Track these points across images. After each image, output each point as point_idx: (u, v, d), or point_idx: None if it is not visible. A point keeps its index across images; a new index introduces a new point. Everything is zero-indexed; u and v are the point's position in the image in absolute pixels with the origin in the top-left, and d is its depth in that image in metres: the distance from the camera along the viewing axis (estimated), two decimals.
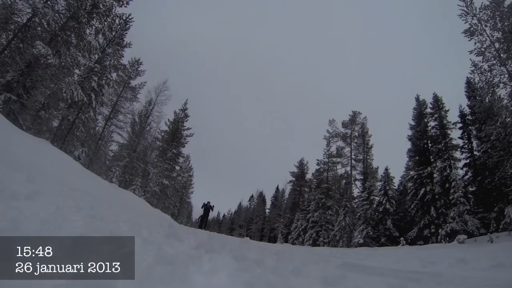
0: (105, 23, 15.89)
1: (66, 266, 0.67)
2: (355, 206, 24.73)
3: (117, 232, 1.11)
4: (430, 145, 19.92)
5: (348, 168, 28.58)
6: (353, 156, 28.67)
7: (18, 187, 2.26)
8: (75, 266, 0.66)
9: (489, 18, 13.85)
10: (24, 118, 12.84)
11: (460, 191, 16.06)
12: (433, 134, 19.91)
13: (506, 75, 13.04)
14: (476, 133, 17.78)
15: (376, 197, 23.05)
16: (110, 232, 1.09)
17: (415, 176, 19.42)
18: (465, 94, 18.64)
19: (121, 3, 15.04)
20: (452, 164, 18.23)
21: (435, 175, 18.60)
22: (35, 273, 0.57)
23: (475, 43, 14.17)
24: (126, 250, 0.97)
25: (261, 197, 47.78)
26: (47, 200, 2.18)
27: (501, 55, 13.21)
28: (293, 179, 37.09)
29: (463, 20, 14.54)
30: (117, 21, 17.47)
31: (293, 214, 32.97)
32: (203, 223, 15.08)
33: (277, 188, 44.56)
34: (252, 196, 49.86)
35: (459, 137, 18.82)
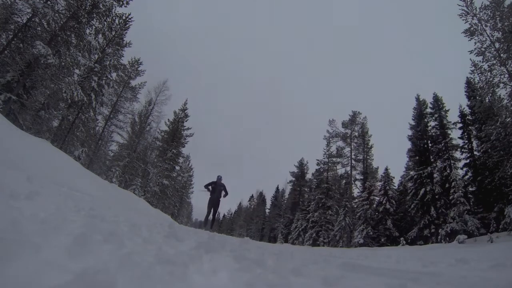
0: (105, 23, 15.91)
1: (66, 266, 0.67)
2: (355, 206, 24.74)
3: (117, 232, 1.11)
4: (430, 145, 19.93)
5: (348, 168, 28.60)
6: (353, 156, 28.67)
7: (18, 187, 2.26)
8: (75, 266, 0.66)
9: (489, 18, 13.84)
10: (24, 118, 12.83)
11: (460, 191, 16.07)
12: (433, 134, 19.92)
13: (506, 75, 13.04)
14: (476, 133, 17.77)
15: (376, 197, 23.06)
16: (110, 232, 1.08)
17: (415, 176, 19.43)
18: (465, 94, 18.65)
19: (121, 3, 15.05)
20: (452, 164, 18.23)
21: (435, 175, 18.61)
22: (35, 274, 0.57)
23: (475, 43, 14.17)
24: (126, 250, 0.97)
25: (261, 197, 47.82)
26: (47, 200, 2.18)
27: (501, 55, 13.20)
28: (293, 179, 37.11)
29: (463, 20, 14.54)
30: (117, 21, 17.51)
31: (293, 214, 32.98)
32: (210, 218, 8.43)
33: (277, 188, 44.61)
34: (252, 196, 49.93)
35: (459, 137, 18.85)
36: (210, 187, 8.72)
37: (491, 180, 15.52)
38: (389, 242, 19.86)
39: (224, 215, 61.85)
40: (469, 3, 14.41)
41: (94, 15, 14.25)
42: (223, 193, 8.71)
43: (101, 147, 21.74)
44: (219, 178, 8.83)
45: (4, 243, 0.57)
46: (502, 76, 13.20)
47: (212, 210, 8.58)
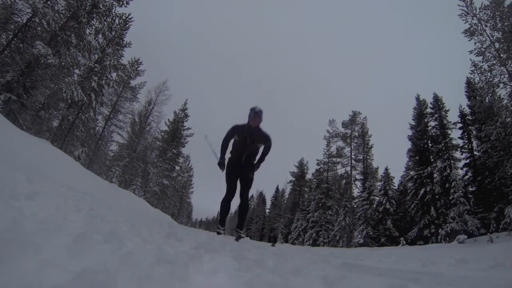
0: (105, 23, 15.92)
1: (66, 266, 0.67)
2: (355, 206, 24.74)
3: (117, 232, 1.11)
4: (430, 145, 19.93)
5: (348, 168, 28.61)
6: (353, 156, 28.68)
7: (18, 187, 2.26)
8: (75, 266, 0.66)
9: (489, 18, 13.85)
10: (24, 118, 12.84)
11: (460, 191, 16.07)
12: (433, 134, 19.91)
13: (506, 75, 13.04)
14: (476, 133, 17.77)
15: (376, 197, 23.06)
16: (110, 232, 1.08)
17: (415, 176, 19.42)
18: (465, 94, 18.64)
19: (121, 3, 15.06)
20: (452, 164, 18.23)
21: (435, 175, 18.61)
22: (35, 274, 0.57)
23: (475, 43, 14.18)
24: (126, 250, 0.97)
25: (261, 197, 47.86)
26: (47, 200, 2.18)
27: (501, 55, 13.20)
28: (293, 179, 37.10)
29: (463, 20, 14.54)
30: (117, 21, 17.52)
31: (293, 214, 32.98)
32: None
33: (277, 188, 44.63)
34: (252, 196, 49.94)
35: (459, 137, 18.85)
36: (232, 139, 3.93)
37: (491, 180, 15.52)
38: (389, 242, 19.86)
39: None
40: (469, 3, 14.41)
41: (94, 15, 14.25)
42: (261, 149, 3.93)
43: (101, 147, 21.74)
44: (257, 112, 3.78)
45: (4, 243, 0.57)
46: (502, 76, 13.20)
47: (239, 185, 3.93)
